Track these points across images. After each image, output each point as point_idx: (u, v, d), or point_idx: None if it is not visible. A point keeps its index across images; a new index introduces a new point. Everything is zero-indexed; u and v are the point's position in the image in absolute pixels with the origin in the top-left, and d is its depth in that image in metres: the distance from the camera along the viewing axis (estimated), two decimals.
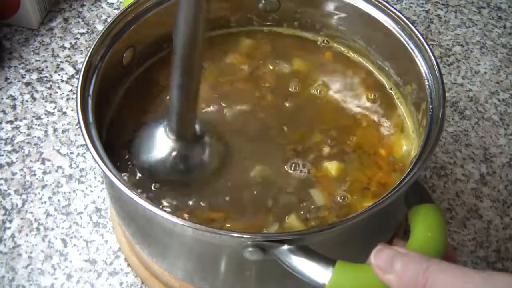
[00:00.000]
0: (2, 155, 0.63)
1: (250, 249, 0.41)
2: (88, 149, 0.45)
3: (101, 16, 0.77)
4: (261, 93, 0.57)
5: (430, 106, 0.49)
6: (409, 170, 0.44)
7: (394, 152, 0.53)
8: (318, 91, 0.57)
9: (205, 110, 0.55)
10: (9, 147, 0.64)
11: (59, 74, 0.70)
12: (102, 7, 0.78)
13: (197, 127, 0.50)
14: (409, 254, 0.36)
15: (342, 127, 0.55)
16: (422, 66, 0.51)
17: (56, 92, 0.69)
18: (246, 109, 0.56)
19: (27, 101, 0.68)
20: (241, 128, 0.54)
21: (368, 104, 0.57)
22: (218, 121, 0.54)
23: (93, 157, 0.44)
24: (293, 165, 0.52)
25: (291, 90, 0.57)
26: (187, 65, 0.44)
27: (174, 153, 0.49)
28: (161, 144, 0.50)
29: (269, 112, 0.56)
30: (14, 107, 0.67)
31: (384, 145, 0.54)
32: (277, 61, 0.59)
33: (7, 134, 0.65)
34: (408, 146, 0.54)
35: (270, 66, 0.59)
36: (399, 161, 0.53)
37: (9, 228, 0.58)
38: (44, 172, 0.62)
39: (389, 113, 0.56)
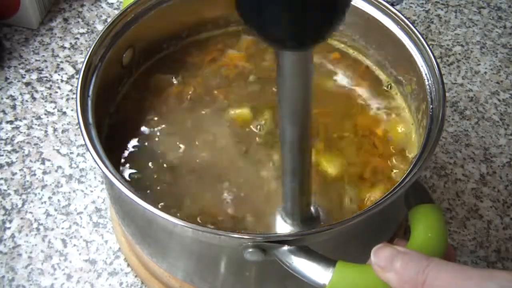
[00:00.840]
0: (2, 155, 0.63)
1: (250, 250, 0.41)
2: (87, 149, 0.45)
3: (101, 16, 0.76)
4: (259, 88, 0.57)
5: (430, 106, 0.49)
6: (409, 170, 0.44)
7: (392, 141, 0.54)
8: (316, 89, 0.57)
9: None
10: (9, 147, 0.64)
11: (59, 74, 0.70)
12: (102, 7, 0.77)
13: (311, 208, 0.48)
14: (409, 253, 0.36)
15: (340, 121, 0.55)
16: (422, 66, 0.51)
17: (56, 92, 0.69)
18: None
19: (27, 101, 0.68)
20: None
21: (366, 100, 0.57)
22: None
23: (93, 157, 0.44)
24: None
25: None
26: (299, 149, 0.40)
27: None
28: (280, 229, 0.47)
29: (267, 105, 0.56)
30: (14, 107, 0.67)
31: (382, 139, 0.54)
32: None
33: (7, 134, 0.65)
34: (407, 141, 0.54)
35: (268, 61, 0.59)
36: (398, 154, 0.53)
37: (9, 228, 0.58)
38: (44, 172, 0.62)
39: (388, 106, 0.56)
